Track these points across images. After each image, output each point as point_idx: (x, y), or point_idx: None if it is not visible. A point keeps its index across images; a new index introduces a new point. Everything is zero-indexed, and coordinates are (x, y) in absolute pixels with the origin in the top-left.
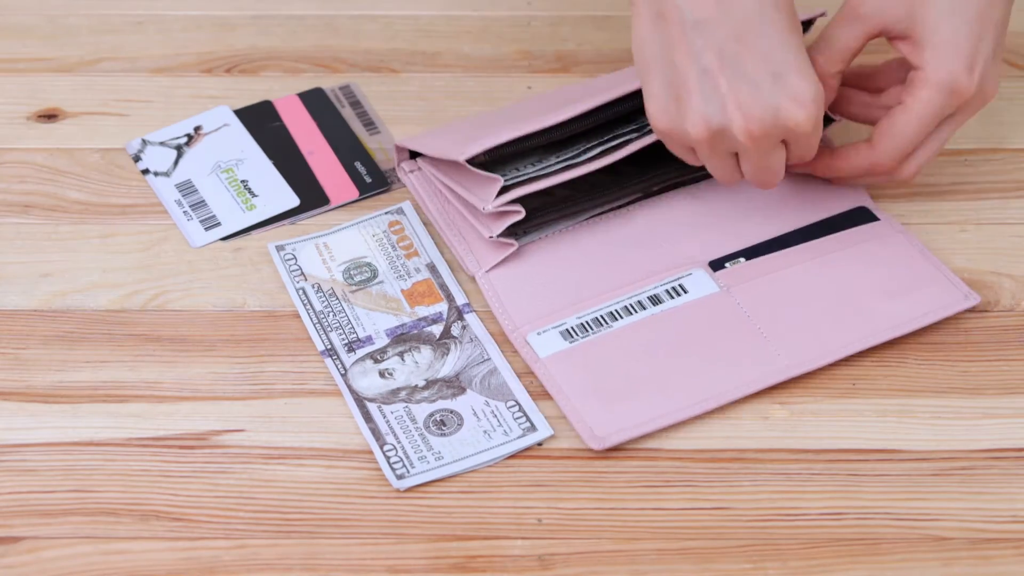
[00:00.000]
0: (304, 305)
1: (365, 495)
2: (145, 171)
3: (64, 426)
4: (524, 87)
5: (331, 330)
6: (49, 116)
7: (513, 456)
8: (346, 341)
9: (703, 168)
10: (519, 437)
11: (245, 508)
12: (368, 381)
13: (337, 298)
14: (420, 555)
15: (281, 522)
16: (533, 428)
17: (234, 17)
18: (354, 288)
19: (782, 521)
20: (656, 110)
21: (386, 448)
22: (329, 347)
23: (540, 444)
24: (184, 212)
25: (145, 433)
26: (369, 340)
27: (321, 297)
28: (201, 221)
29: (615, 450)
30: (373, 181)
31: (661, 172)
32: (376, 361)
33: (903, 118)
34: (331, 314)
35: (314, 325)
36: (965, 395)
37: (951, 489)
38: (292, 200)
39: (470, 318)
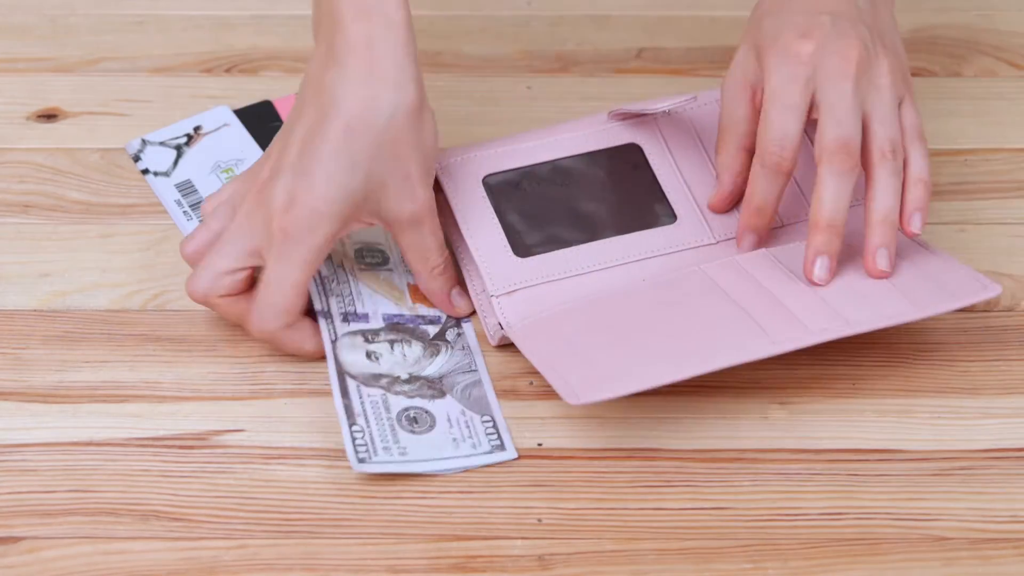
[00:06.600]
0: None
1: (365, 495)
2: (145, 171)
3: (64, 426)
4: (524, 87)
5: (332, 295)
6: (49, 116)
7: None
8: (343, 311)
9: None
10: (486, 453)
11: (245, 508)
12: (354, 357)
13: (344, 271)
14: (420, 555)
15: (281, 522)
16: (502, 447)
17: (234, 17)
18: (363, 268)
19: (782, 521)
20: None
21: (354, 428)
22: (326, 309)
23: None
24: (184, 212)
25: (145, 433)
26: (366, 317)
27: (329, 264)
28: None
29: (615, 450)
30: None
31: None
32: (367, 340)
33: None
34: (335, 282)
35: (316, 285)
36: (965, 395)
37: (951, 489)
38: None
39: (467, 327)
